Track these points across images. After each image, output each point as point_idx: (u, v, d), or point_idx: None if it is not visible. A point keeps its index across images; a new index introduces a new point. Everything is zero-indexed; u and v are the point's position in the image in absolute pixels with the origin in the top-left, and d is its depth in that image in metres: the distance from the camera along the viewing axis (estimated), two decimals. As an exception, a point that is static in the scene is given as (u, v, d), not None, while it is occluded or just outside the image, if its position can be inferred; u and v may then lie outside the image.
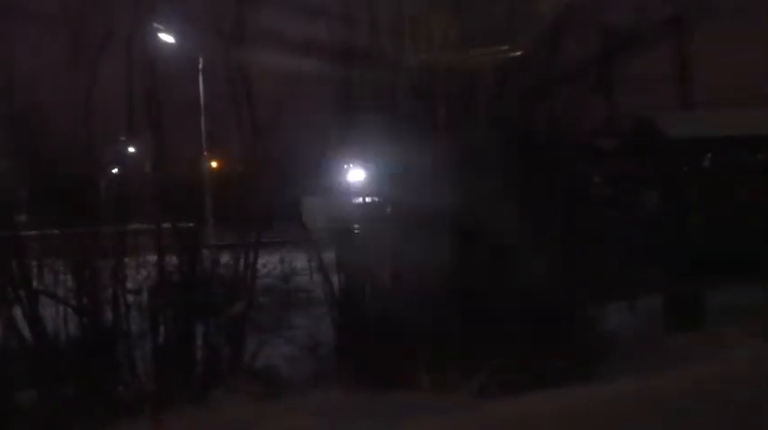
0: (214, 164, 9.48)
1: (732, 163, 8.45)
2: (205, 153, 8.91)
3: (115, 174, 7.80)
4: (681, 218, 8.06)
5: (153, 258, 7.05)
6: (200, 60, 7.98)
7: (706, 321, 7.69)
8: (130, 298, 6.64)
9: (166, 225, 6.98)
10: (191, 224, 7.32)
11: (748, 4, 9.44)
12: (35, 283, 6.43)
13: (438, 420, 5.21)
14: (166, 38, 7.76)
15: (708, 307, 7.77)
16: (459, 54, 7.48)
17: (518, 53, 7.52)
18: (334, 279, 7.31)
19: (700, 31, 8.54)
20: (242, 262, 6.81)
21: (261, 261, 7.33)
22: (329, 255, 7.54)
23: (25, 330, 6.33)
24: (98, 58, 6.88)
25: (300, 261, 8.77)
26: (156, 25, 7.46)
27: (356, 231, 7.76)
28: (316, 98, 7.98)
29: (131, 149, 7.89)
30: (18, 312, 6.31)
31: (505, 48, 7.67)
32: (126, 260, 6.82)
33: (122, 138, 7.72)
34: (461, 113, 7.44)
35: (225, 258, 7.00)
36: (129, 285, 6.73)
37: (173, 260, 6.97)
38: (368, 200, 7.89)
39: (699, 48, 9.24)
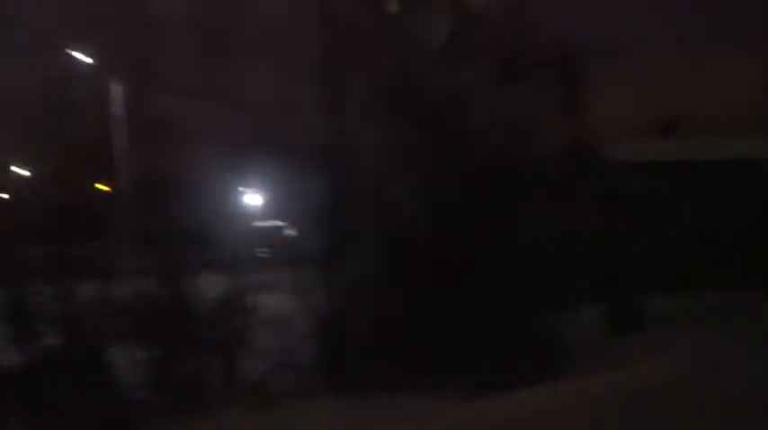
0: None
1: (669, 185, 9.50)
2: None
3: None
4: (621, 235, 9.00)
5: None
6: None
7: (645, 326, 8.57)
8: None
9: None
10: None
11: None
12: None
13: (435, 417, 5.70)
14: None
15: (646, 313, 8.69)
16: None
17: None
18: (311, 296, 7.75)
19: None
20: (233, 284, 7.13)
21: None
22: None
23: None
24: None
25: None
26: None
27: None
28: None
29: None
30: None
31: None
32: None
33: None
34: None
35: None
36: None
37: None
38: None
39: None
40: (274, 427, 5.97)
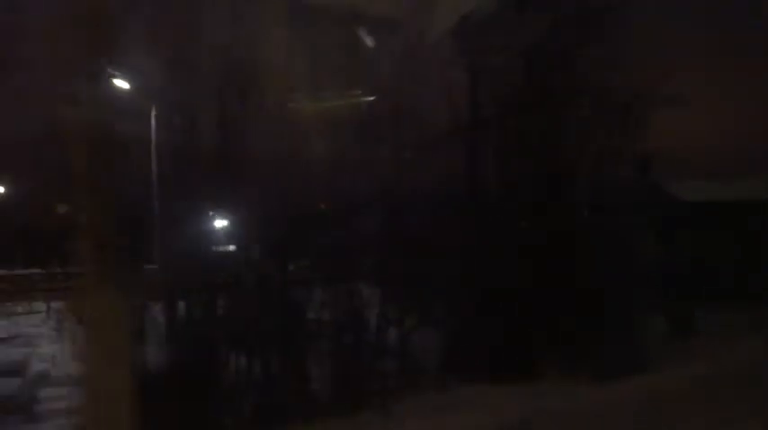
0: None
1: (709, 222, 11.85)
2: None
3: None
4: (675, 259, 11.24)
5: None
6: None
7: (697, 333, 10.81)
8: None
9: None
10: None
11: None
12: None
13: (580, 397, 7.74)
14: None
15: (697, 323, 10.93)
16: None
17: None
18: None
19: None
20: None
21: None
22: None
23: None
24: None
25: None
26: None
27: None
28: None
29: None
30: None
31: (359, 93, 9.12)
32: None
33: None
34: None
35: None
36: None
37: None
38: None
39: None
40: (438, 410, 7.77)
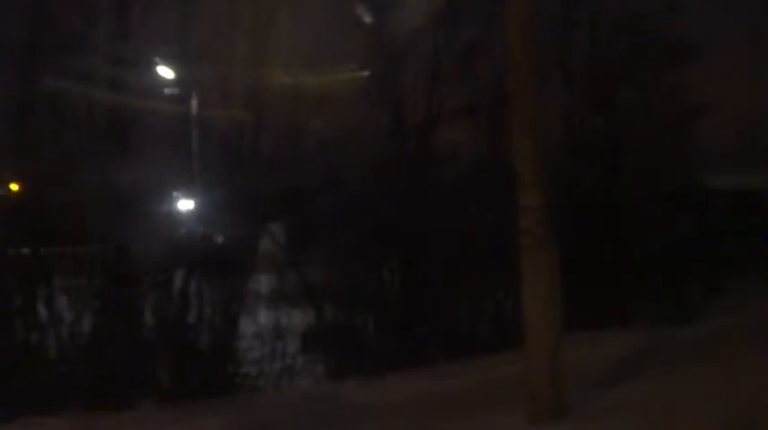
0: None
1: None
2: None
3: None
4: (708, 236, 14.19)
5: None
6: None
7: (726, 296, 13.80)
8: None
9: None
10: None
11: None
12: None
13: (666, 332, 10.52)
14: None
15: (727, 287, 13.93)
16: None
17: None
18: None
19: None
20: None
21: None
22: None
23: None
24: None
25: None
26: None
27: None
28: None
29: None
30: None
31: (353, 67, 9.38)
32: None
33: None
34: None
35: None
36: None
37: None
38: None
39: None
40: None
